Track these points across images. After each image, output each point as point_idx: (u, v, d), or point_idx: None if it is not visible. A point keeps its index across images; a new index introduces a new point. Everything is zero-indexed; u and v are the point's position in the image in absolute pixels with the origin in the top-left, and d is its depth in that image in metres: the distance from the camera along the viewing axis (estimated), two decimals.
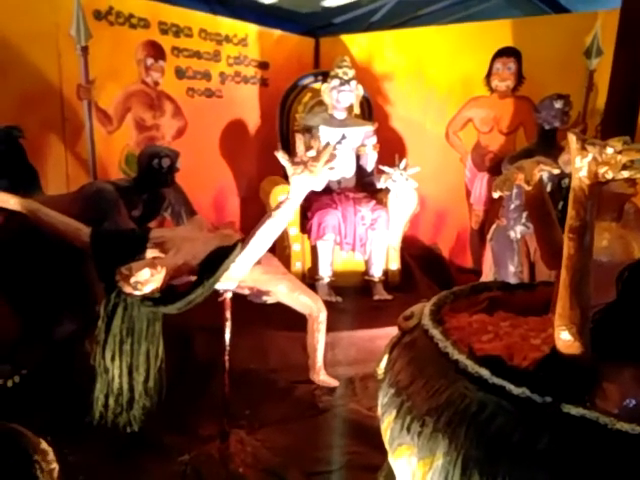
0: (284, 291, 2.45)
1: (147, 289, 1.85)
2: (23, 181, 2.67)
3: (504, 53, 3.82)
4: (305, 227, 3.70)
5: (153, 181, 2.84)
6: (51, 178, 3.04)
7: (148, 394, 2.00)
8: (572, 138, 1.10)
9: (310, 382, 2.82)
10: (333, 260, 3.69)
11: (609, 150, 1.05)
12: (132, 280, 1.81)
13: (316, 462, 2.19)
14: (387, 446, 1.39)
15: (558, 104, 3.11)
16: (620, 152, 1.04)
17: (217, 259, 1.99)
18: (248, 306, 2.55)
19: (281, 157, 1.92)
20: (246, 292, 2.39)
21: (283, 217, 1.98)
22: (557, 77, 3.52)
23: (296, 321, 2.84)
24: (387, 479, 1.69)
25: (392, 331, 1.72)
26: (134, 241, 2.04)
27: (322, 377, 2.77)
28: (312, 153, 1.93)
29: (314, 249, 3.71)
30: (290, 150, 4.23)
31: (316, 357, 2.73)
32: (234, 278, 2.10)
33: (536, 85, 3.64)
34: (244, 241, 2.01)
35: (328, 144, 1.96)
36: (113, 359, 1.92)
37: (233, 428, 2.36)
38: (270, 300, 2.47)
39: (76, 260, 2.27)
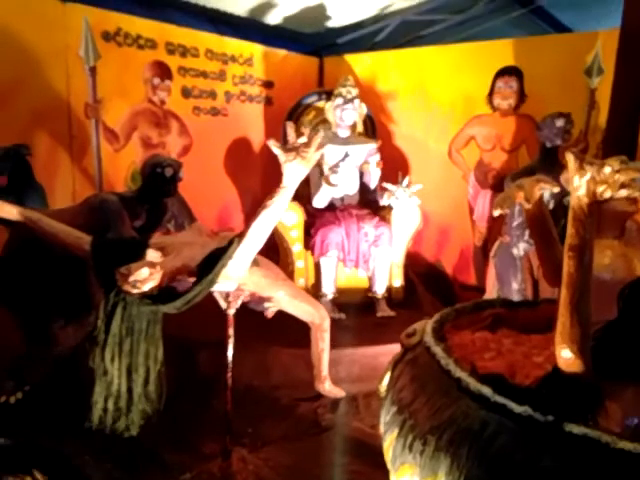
0: (285, 297, 2.42)
1: (146, 287, 1.86)
2: (30, 198, 2.71)
3: (506, 72, 3.86)
4: (308, 244, 3.72)
5: (156, 191, 2.86)
6: (58, 195, 3.08)
7: (148, 398, 1.98)
8: (570, 157, 1.11)
9: (313, 399, 2.81)
10: (336, 277, 3.70)
11: (607, 169, 1.07)
12: (131, 279, 1.82)
13: None
14: (389, 465, 1.39)
15: (560, 122, 3.14)
16: (618, 171, 1.05)
17: (215, 258, 1.98)
18: (251, 323, 2.55)
19: (272, 145, 1.90)
20: (246, 298, 2.35)
21: (278, 207, 1.95)
22: (559, 95, 3.55)
23: (299, 338, 2.84)
24: None
25: (395, 348, 1.72)
26: (134, 247, 2.04)
27: (327, 387, 2.73)
28: (303, 139, 1.90)
29: (317, 266, 3.72)
30: None
31: (321, 366, 2.70)
32: (233, 277, 2.07)
33: (538, 103, 3.67)
34: (240, 236, 1.99)
35: (318, 130, 1.96)
36: (112, 360, 1.90)
37: (235, 446, 2.34)
38: (272, 308, 2.44)
39: (78, 271, 2.28)
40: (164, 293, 1.95)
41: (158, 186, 2.84)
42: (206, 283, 1.96)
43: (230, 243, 1.98)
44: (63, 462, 1.61)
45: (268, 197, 1.96)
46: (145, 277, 1.84)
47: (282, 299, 2.42)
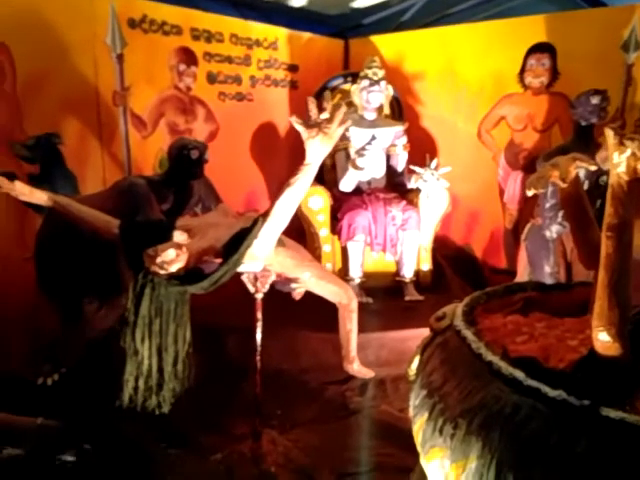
0: (311, 278, 2.41)
1: (173, 268, 1.88)
2: (62, 185, 2.77)
3: (538, 49, 3.73)
4: (335, 228, 3.71)
5: (183, 173, 2.88)
6: (89, 182, 3.14)
7: (177, 377, 2.03)
8: (609, 133, 1.07)
9: (341, 383, 2.82)
10: (364, 261, 3.69)
11: None
12: (158, 260, 1.85)
13: (347, 463, 2.19)
14: (419, 448, 1.38)
15: (595, 100, 3.03)
16: None
17: (241, 238, 1.98)
18: (279, 307, 2.57)
19: (295, 122, 1.88)
20: (273, 278, 2.35)
21: (302, 185, 1.93)
22: (593, 72, 3.42)
23: (327, 322, 2.84)
24: None
25: (423, 332, 1.70)
26: (161, 229, 2.07)
27: (356, 367, 2.72)
28: (325, 115, 1.86)
29: (344, 250, 3.71)
30: None
31: (349, 346, 2.69)
32: (259, 257, 2.07)
33: (572, 81, 3.55)
34: (265, 215, 1.98)
35: (340, 105, 1.91)
36: (143, 340, 1.94)
37: (265, 428, 2.37)
38: (298, 289, 2.43)
39: (108, 254, 2.33)
40: (191, 274, 1.97)
41: (185, 168, 2.86)
42: (232, 263, 1.97)
43: (255, 223, 1.98)
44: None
45: (292, 175, 1.93)
46: (172, 258, 1.86)
47: (309, 280, 2.41)
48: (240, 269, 2.11)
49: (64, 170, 2.93)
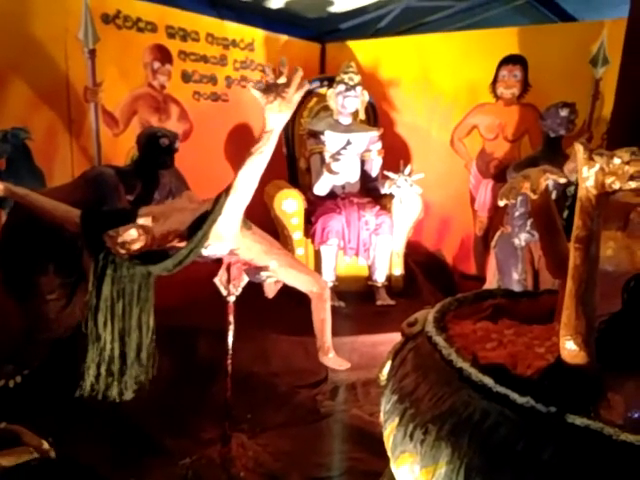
0: (281, 267, 2.33)
1: (135, 247, 1.84)
2: (29, 181, 2.69)
3: (510, 61, 3.82)
4: (309, 232, 3.70)
5: (152, 162, 2.83)
6: (57, 179, 3.05)
7: (141, 365, 1.98)
8: (579, 148, 1.10)
9: (312, 387, 2.82)
10: (337, 265, 3.69)
11: (616, 160, 1.05)
12: (119, 240, 1.81)
13: (317, 467, 2.19)
14: (389, 453, 1.39)
15: (564, 112, 3.11)
16: (628, 162, 1.04)
17: (205, 218, 1.95)
18: (251, 310, 2.55)
19: (252, 88, 1.85)
20: (246, 281, 2.31)
21: (264, 153, 1.89)
22: (563, 85, 3.52)
23: (299, 325, 2.84)
24: None
25: (395, 337, 1.72)
26: (123, 216, 2.01)
27: (331, 357, 2.67)
28: (282, 80, 1.82)
29: (317, 254, 3.71)
30: (295, 154, 4.25)
31: (324, 337, 2.63)
32: (224, 236, 2.03)
33: (542, 93, 3.64)
34: (227, 188, 1.94)
35: (297, 68, 1.88)
36: (105, 324, 1.90)
37: (235, 432, 2.36)
38: (269, 279, 2.36)
39: (75, 250, 2.28)
40: (154, 254, 1.93)
41: (154, 157, 2.81)
42: (197, 241, 1.93)
43: (218, 198, 1.94)
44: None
45: (253, 144, 1.89)
46: (133, 237, 1.82)
47: (278, 269, 2.33)
48: (206, 252, 2.05)
49: (31, 166, 2.85)
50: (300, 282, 2.47)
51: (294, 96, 1.83)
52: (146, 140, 2.81)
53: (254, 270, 2.29)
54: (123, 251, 1.83)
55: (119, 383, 1.94)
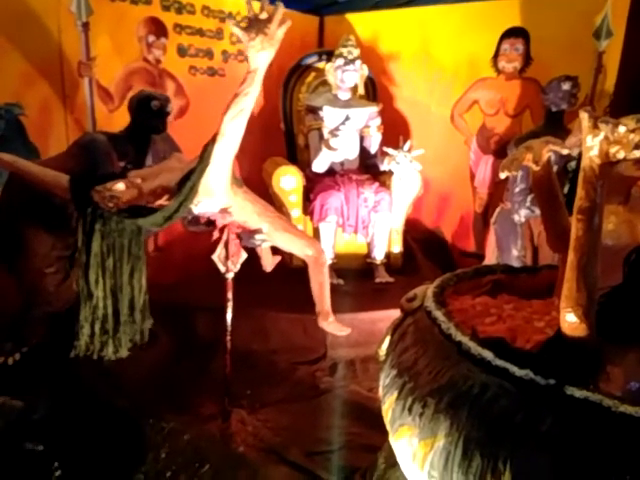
0: (274, 230, 2.29)
1: (122, 200, 1.83)
2: (23, 158, 2.66)
3: (512, 33, 3.74)
4: (307, 209, 3.68)
5: (143, 126, 2.80)
6: (52, 155, 3.01)
7: (134, 322, 1.98)
8: (584, 116, 1.07)
9: (311, 363, 2.83)
10: (335, 242, 3.68)
11: (621, 128, 1.03)
12: (107, 194, 1.79)
13: (316, 442, 2.21)
14: (388, 427, 1.39)
15: (566, 86, 3.06)
16: (633, 131, 1.01)
17: (194, 172, 1.93)
18: (250, 287, 2.54)
19: (232, 24, 1.80)
20: (237, 229, 2.26)
21: (249, 94, 1.85)
22: (565, 58, 3.45)
23: (297, 303, 2.84)
24: (387, 459, 1.70)
25: (394, 313, 1.71)
26: (111, 179, 1.98)
27: (331, 321, 2.64)
28: (264, 15, 1.78)
29: (316, 231, 3.69)
30: (294, 131, 4.20)
31: (323, 301, 2.60)
32: (214, 190, 1.99)
33: (544, 67, 3.58)
34: (214, 136, 1.90)
35: (279, 4, 1.80)
36: (97, 281, 1.89)
37: (234, 408, 2.37)
38: (264, 244, 2.31)
39: (72, 222, 2.26)
40: (142, 208, 1.92)
41: (146, 121, 2.77)
42: (186, 192, 1.90)
43: (205, 148, 1.90)
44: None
45: (238, 86, 1.84)
46: (121, 190, 1.81)
47: (273, 233, 2.30)
48: (197, 209, 2.02)
49: (26, 142, 2.81)
50: (295, 246, 2.42)
51: (277, 32, 1.78)
52: (137, 104, 2.77)
53: (248, 234, 2.25)
54: (111, 204, 1.80)
55: (113, 341, 1.93)
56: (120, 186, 1.81)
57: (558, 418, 1.05)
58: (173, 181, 1.98)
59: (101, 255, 1.88)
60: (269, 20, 1.76)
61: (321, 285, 2.50)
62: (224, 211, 2.13)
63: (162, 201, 2.00)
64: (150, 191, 1.93)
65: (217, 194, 2.03)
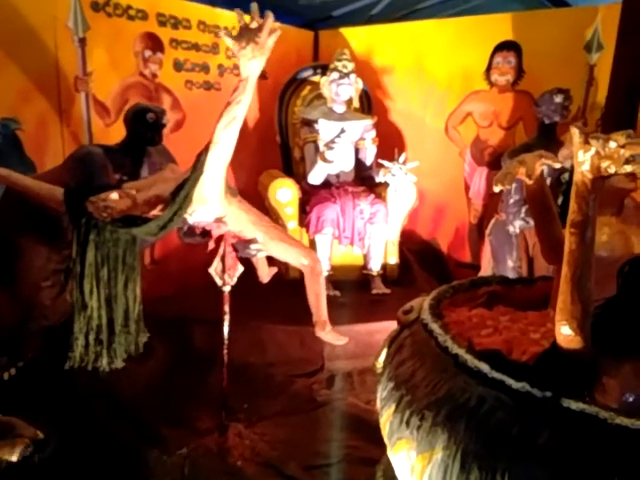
0: (270, 240, 2.29)
1: (116, 210, 1.84)
2: (20, 173, 2.66)
3: (504, 47, 3.80)
4: (303, 221, 3.69)
5: (139, 139, 2.81)
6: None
7: (129, 333, 1.97)
8: (575, 132, 1.09)
9: (308, 376, 2.83)
10: (332, 254, 3.69)
11: (612, 144, 1.05)
12: (101, 204, 1.80)
13: (314, 455, 2.20)
14: (386, 440, 1.39)
15: (558, 98, 3.10)
16: (623, 146, 1.03)
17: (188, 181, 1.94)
18: (247, 300, 2.55)
19: (223, 35, 1.84)
20: (232, 239, 2.26)
21: (241, 102, 1.88)
22: (557, 71, 3.50)
23: (294, 315, 2.84)
24: (385, 473, 1.70)
25: (390, 325, 1.72)
26: (106, 190, 2.00)
27: (328, 331, 2.62)
28: (254, 24, 1.81)
29: (312, 243, 3.70)
30: (289, 144, 4.22)
31: (320, 310, 2.59)
32: (209, 198, 2.01)
33: (536, 79, 3.63)
34: (207, 145, 1.92)
35: (269, 14, 1.84)
36: (91, 292, 1.88)
37: (231, 421, 2.36)
38: (259, 254, 2.32)
39: (64, 233, 2.26)
40: (137, 217, 1.92)
41: (141, 133, 2.79)
42: (180, 201, 1.92)
43: (199, 157, 1.92)
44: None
45: (230, 94, 1.88)
46: (115, 199, 1.82)
47: (269, 242, 2.29)
48: (191, 219, 2.04)
49: (22, 157, 2.81)
50: (291, 255, 2.41)
51: (267, 40, 1.81)
52: (133, 116, 2.79)
53: (243, 243, 2.25)
54: (105, 214, 1.81)
55: (108, 352, 1.92)
56: (114, 196, 1.83)
57: (555, 430, 1.06)
58: (167, 191, 1.99)
59: (95, 265, 1.88)
60: (259, 29, 1.79)
61: (317, 295, 2.50)
62: (219, 220, 2.13)
63: (156, 211, 2.01)
64: (144, 201, 1.95)
65: (211, 203, 2.04)
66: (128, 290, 1.95)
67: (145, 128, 2.77)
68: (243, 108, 1.89)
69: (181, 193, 1.92)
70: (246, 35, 1.79)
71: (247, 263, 2.41)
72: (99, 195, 1.82)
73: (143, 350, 2.05)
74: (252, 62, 1.82)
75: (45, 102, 3.08)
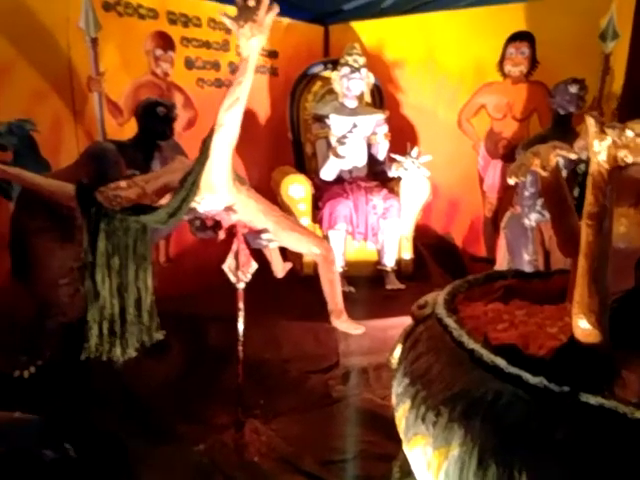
0: (281, 230, 2.29)
1: (126, 199, 1.87)
2: (35, 173, 2.70)
3: (517, 37, 3.74)
4: (317, 217, 3.69)
5: (150, 133, 2.83)
6: None
7: (141, 323, 1.99)
8: (590, 121, 1.07)
9: (324, 372, 2.83)
10: (345, 250, 3.68)
11: (629, 133, 1.02)
12: (111, 194, 1.82)
13: (330, 451, 2.20)
14: (402, 436, 1.39)
15: (573, 88, 3.05)
16: None
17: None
18: (261, 297, 2.55)
19: (223, 16, 1.84)
20: (243, 229, 2.26)
21: (243, 82, 1.88)
22: (572, 61, 3.44)
23: (309, 311, 2.84)
24: (402, 469, 1.69)
25: (405, 320, 1.71)
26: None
27: (344, 319, 2.56)
28: (252, 3, 1.80)
29: (326, 239, 3.70)
30: (301, 140, 4.22)
31: (335, 299, 2.56)
32: (217, 185, 2.01)
33: (550, 70, 3.57)
34: (212, 128, 1.91)
35: None
36: (103, 281, 1.91)
37: (247, 417, 2.37)
38: (271, 244, 2.32)
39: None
40: (147, 208, 1.94)
41: (152, 127, 2.81)
42: (187, 187, 1.92)
43: (204, 141, 1.93)
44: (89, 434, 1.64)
45: (235, 76, 1.88)
46: (123, 188, 1.84)
47: (280, 232, 2.29)
48: (201, 208, 2.05)
49: (37, 157, 2.84)
50: (303, 245, 2.41)
51: (265, 18, 1.80)
52: (143, 110, 2.82)
53: (254, 234, 2.25)
54: (115, 203, 1.83)
55: (121, 342, 1.95)
56: (122, 184, 1.85)
57: (573, 425, 1.04)
58: (176, 180, 2.01)
59: (106, 254, 1.90)
60: (257, 7, 1.79)
61: (332, 283, 2.49)
62: (229, 209, 2.14)
63: (165, 200, 2.02)
64: (153, 191, 1.97)
65: (219, 190, 2.05)
66: (139, 280, 1.97)
67: (156, 122, 2.80)
68: (245, 88, 1.89)
69: (189, 179, 1.93)
70: (244, 14, 1.79)
71: (261, 259, 2.41)
72: (108, 185, 1.84)
73: (160, 348, 2.08)
74: (252, 41, 1.82)
75: (59, 103, 3.11)
